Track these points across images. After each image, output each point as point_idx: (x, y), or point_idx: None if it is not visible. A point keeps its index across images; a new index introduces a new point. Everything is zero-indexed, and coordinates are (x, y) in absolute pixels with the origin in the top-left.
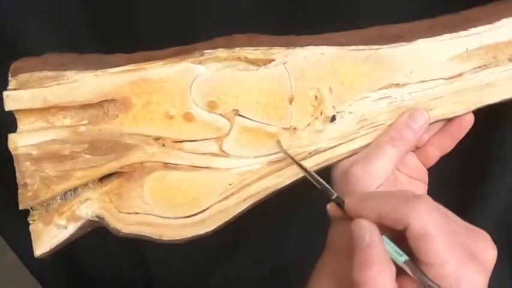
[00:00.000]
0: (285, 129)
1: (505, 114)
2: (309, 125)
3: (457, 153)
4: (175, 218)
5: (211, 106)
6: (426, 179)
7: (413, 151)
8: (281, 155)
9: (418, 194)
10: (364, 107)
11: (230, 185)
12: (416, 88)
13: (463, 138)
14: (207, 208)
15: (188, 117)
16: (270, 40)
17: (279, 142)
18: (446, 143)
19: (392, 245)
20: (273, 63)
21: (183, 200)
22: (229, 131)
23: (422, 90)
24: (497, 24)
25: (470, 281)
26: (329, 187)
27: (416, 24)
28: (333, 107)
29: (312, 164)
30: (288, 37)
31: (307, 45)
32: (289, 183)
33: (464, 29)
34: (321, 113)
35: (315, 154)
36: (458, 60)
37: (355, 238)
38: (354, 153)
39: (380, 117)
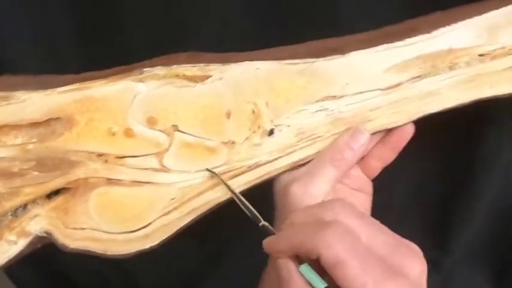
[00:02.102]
0: (223, 143)
1: (488, 115)
2: (247, 138)
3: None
4: (120, 233)
5: (151, 122)
6: (370, 189)
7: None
8: (221, 168)
9: (327, 222)
10: (302, 120)
11: (172, 199)
12: (353, 100)
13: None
14: (151, 223)
15: (129, 133)
16: (207, 57)
17: (209, 170)
18: (388, 154)
19: (313, 272)
20: (210, 79)
21: (126, 215)
22: (169, 146)
23: (360, 101)
24: (435, 33)
25: None
26: (257, 214)
27: (354, 36)
28: (271, 120)
29: (253, 177)
30: (224, 54)
31: (243, 60)
32: (231, 197)
33: (401, 39)
34: (259, 127)
35: (254, 168)
36: (395, 71)
37: (279, 276)
38: (295, 165)
39: (318, 129)
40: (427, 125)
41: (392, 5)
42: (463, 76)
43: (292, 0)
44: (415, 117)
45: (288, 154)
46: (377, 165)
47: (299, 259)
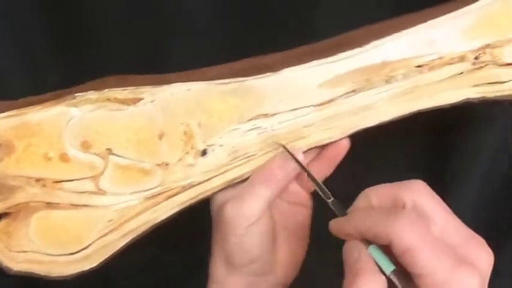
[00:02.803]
0: (157, 165)
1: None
2: (180, 159)
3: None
4: (60, 255)
5: (85, 146)
6: (309, 203)
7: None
8: (156, 189)
9: (398, 209)
10: (235, 139)
11: (109, 221)
12: (286, 117)
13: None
14: (89, 245)
15: (64, 158)
16: (138, 80)
17: (279, 143)
18: (324, 168)
19: (382, 254)
20: (141, 101)
21: (66, 237)
22: (104, 169)
23: (293, 118)
24: (366, 47)
25: (462, 283)
26: (327, 191)
27: (286, 53)
28: (203, 141)
29: (188, 197)
30: (156, 76)
31: (174, 82)
32: (167, 217)
33: (333, 55)
34: (192, 148)
35: (189, 188)
36: (328, 86)
37: (345, 257)
38: (229, 184)
39: (251, 148)
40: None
41: (369, 16)
42: (400, 88)
43: (266, 10)
44: (350, 132)
45: (221, 173)
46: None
47: (366, 240)
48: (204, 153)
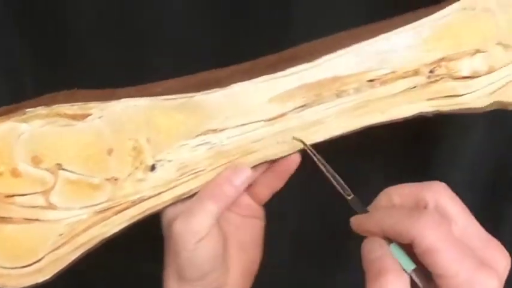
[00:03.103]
0: (107, 180)
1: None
2: (130, 174)
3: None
4: (14, 268)
5: (36, 161)
6: (261, 214)
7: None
8: (106, 204)
9: (421, 208)
10: (183, 155)
11: (61, 235)
12: (235, 132)
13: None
14: (42, 258)
15: (16, 173)
16: (87, 95)
17: (296, 138)
18: (275, 182)
19: (402, 253)
20: (90, 117)
21: (19, 251)
22: (54, 184)
23: (242, 133)
24: (317, 61)
25: (482, 285)
26: (347, 188)
27: (235, 67)
28: (152, 156)
29: (137, 212)
30: (105, 91)
31: (123, 97)
32: (118, 231)
33: (283, 69)
34: (141, 163)
35: (139, 202)
36: (279, 101)
37: (365, 254)
38: (179, 199)
39: (200, 163)
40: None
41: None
42: (351, 103)
43: (245, 19)
44: (300, 146)
45: (170, 189)
46: (265, 192)
47: (387, 238)
48: (153, 168)
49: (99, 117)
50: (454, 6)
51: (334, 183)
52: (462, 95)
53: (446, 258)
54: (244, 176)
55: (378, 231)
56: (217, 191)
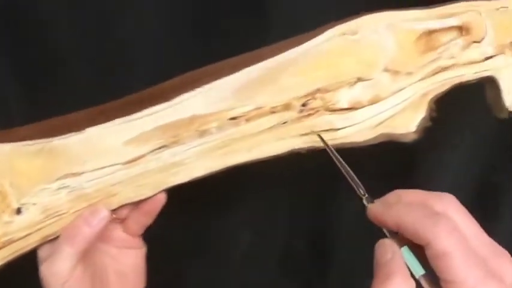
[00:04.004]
0: None
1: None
2: None
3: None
4: None
5: None
6: (138, 244)
7: (119, 222)
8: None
9: (439, 213)
10: (45, 198)
11: None
12: (94, 176)
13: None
14: None
15: None
16: None
17: (322, 138)
18: (144, 220)
19: (413, 257)
20: None
21: None
22: None
23: (100, 177)
24: (175, 100)
25: None
26: (362, 187)
27: (90, 110)
28: (17, 200)
29: (8, 253)
30: None
31: None
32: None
33: (138, 111)
34: (7, 206)
35: (8, 244)
36: (135, 144)
37: (378, 257)
38: (45, 240)
39: (63, 206)
40: None
41: None
42: (214, 142)
43: (217, 20)
44: (161, 188)
45: (37, 231)
46: (136, 227)
47: (399, 239)
48: (19, 211)
49: None
50: (331, 31)
51: (351, 181)
52: (339, 128)
53: (457, 264)
54: (100, 216)
55: (393, 225)
56: (74, 233)
